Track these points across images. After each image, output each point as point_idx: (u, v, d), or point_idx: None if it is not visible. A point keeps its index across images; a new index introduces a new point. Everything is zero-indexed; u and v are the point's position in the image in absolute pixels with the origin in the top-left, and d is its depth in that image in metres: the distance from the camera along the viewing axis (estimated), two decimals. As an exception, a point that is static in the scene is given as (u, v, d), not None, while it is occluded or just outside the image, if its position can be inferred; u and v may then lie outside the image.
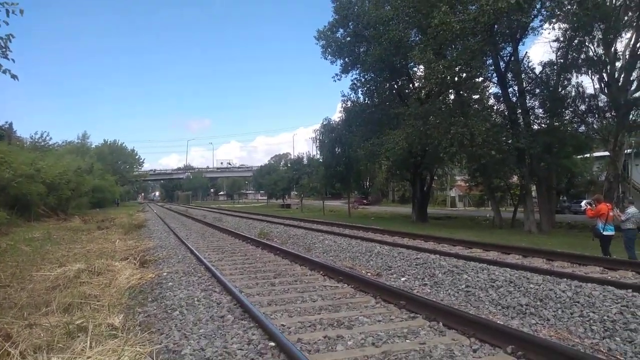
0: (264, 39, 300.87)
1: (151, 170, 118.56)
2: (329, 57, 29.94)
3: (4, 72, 8.75)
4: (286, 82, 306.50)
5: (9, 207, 22.03)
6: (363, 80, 30.21)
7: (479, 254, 10.91)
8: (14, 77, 9.02)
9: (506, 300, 6.37)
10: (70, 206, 34.59)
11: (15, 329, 4.92)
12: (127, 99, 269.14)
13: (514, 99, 23.02)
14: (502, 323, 5.26)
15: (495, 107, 25.07)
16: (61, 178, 29.93)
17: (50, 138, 45.98)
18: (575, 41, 21.14)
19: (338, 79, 30.73)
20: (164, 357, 4.24)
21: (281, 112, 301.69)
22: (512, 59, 22.62)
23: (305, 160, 63.19)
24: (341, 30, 29.28)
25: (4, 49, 8.61)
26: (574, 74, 22.24)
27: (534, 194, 24.01)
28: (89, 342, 4.42)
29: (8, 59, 8.73)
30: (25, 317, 5.57)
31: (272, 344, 4.51)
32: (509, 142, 21.71)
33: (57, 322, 5.26)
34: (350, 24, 28.27)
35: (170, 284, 7.88)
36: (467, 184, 35.27)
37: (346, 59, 29.78)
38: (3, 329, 4.63)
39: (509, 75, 23.14)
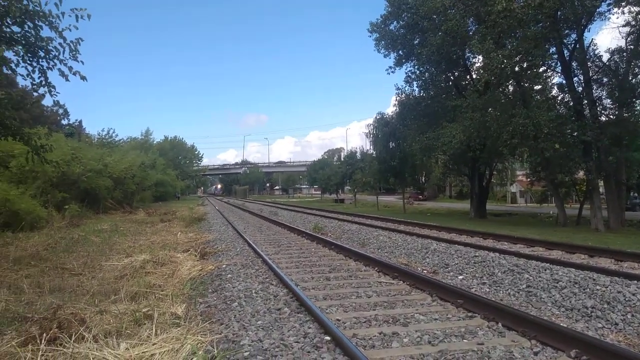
0: (318, 33, 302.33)
1: (211, 165, 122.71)
2: (383, 49, 29.56)
3: (74, 73, 9.38)
4: (339, 76, 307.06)
5: (80, 200, 23.50)
6: (418, 72, 29.68)
7: (541, 252, 10.49)
8: (83, 78, 9.64)
9: (570, 302, 6.11)
10: (135, 199, 36.36)
11: (88, 315, 5.28)
12: (187, 96, 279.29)
13: (579, 89, 21.84)
14: (565, 325, 5.05)
15: (558, 98, 23.92)
16: (127, 173, 31.54)
17: (116, 134, 48.45)
18: (649, 25, 19.75)
19: (392, 72, 30.30)
20: (223, 346, 4.40)
21: (334, 106, 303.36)
22: (577, 46, 21.44)
23: (358, 155, 62.96)
24: (395, 22, 28.83)
25: (74, 52, 9.21)
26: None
27: (601, 189, 22.73)
28: (154, 329, 4.67)
29: (78, 61, 9.35)
30: (97, 304, 5.95)
31: (328, 338, 4.56)
32: (574, 134, 20.63)
33: (125, 309, 5.58)
34: (404, 15, 27.76)
35: (229, 275, 8.13)
36: (529, 179, 33.82)
37: (400, 52, 29.27)
38: (78, 314, 4.97)
39: (574, 64, 21.96)
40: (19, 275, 7.93)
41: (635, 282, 6.48)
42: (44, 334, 4.36)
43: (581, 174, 25.05)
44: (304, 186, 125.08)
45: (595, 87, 22.01)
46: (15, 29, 8.85)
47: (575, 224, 22.79)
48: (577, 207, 26.49)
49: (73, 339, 4.28)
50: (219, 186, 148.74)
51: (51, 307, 5.45)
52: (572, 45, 21.80)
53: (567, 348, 4.16)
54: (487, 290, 7.19)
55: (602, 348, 3.99)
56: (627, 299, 5.82)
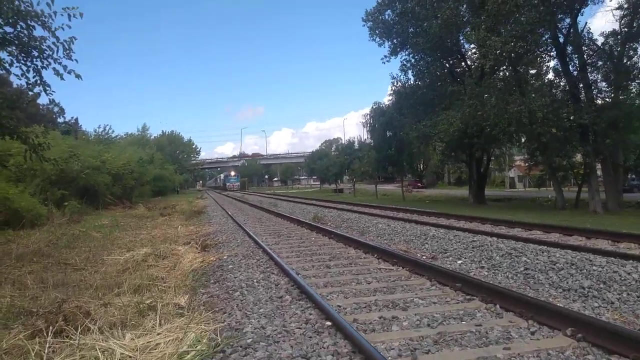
0: (313, 24, 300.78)
1: (209, 159, 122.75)
2: (377, 38, 29.50)
3: (69, 72, 9.40)
4: (336, 66, 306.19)
5: (79, 196, 23.51)
6: (413, 61, 29.65)
7: (539, 235, 10.59)
8: (78, 76, 9.68)
9: (567, 282, 6.20)
10: (134, 195, 36.35)
11: (93, 308, 5.36)
12: (183, 91, 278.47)
13: (575, 73, 21.87)
14: (562, 305, 5.14)
15: (554, 82, 23.94)
16: (125, 168, 31.55)
17: (113, 131, 48.42)
18: (643, 6, 19.78)
19: (387, 61, 30.35)
20: (227, 334, 4.47)
21: (331, 97, 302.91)
22: (572, 30, 21.44)
23: (356, 145, 63.06)
24: (389, 11, 28.74)
25: (67, 51, 9.23)
26: (641, 43, 20.80)
27: (599, 172, 22.84)
28: (158, 320, 4.75)
29: (72, 60, 9.37)
30: (100, 297, 6.04)
31: (329, 323, 4.64)
32: (571, 118, 20.69)
33: (129, 301, 5.66)
34: (397, 3, 27.64)
35: (230, 266, 8.21)
36: (527, 164, 33.94)
37: (395, 40, 29.22)
38: (83, 307, 5.05)
39: (569, 48, 21.97)
40: (22, 272, 8.00)
41: (631, 261, 6.58)
42: (50, 327, 4.44)
43: (578, 157, 25.17)
44: (303, 177, 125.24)
45: (590, 70, 22.05)
46: (8, 29, 8.86)
47: (574, 207, 22.92)
48: (575, 190, 26.63)
49: (79, 331, 4.37)
50: (233, 173, 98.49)
51: (56, 301, 5.53)
52: (567, 29, 21.80)
53: (563, 327, 4.23)
54: (486, 274, 7.28)
55: (598, 326, 4.07)
56: (622, 279, 5.91)
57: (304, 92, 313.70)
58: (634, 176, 39.55)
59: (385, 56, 29.95)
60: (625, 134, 21.66)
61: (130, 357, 3.88)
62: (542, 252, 7.65)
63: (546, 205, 26.92)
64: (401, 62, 30.14)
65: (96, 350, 3.91)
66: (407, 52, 29.57)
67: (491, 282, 6.35)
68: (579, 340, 3.99)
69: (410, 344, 4.10)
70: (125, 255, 9.36)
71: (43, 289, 6.74)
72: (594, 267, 6.47)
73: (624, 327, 4.43)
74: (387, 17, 28.75)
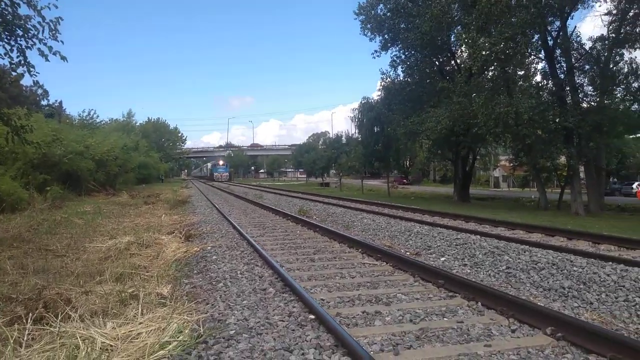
0: (305, 17, 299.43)
1: (195, 148, 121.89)
2: (368, 33, 29.44)
3: (54, 53, 9.18)
4: (326, 60, 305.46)
5: (62, 182, 23.16)
6: (403, 57, 29.67)
7: (522, 235, 10.72)
8: (63, 58, 9.45)
9: (548, 282, 6.29)
10: (118, 182, 35.95)
11: (74, 295, 5.29)
12: (171, 78, 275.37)
13: (562, 75, 22.11)
14: (542, 305, 5.22)
15: (541, 84, 24.18)
16: (109, 155, 31.15)
17: (97, 116, 47.77)
18: (630, 14, 20.01)
19: (377, 56, 30.30)
20: (209, 325, 4.45)
21: (320, 90, 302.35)
22: (561, 34, 21.65)
23: (344, 139, 63.07)
24: (381, 5, 28.69)
25: (53, 32, 9.02)
26: (627, 49, 21.08)
27: (581, 174, 23.18)
28: (140, 309, 4.71)
29: (58, 41, 9.16)
30: (82, 285, 5.96)
31: (312, 316, 4.65)
32: (557, 121, 20.93)
33: (111, 290, 5.59)
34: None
35: (214, 257, 8.17)
36: (511, 164, 34.31)
37: (386, 36, 29.20)
38: (63, 294, 4.98)
39: (557, 51, 22.20)
40: (1, 257, 7.85)
41: (610, 263, 6.71)
42: (30, 314, 4.37)
43: (562, 159, 25.51)
44: (289, 170, 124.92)
45: (577, 74, 22.32)
46: (-9, 6, 8.61)
47: (556, 208, 23.25)
48: (558, 191, 26.99)
49: (59, 318, 4.30)
50: (221, 162, 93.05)
51: (36, 288, 5.45)
52: (556, 32, 21.99)
53: (543, 326, 4.30)
54: (468, 271, 7.35)
55: (577, 325, 4.14)
56: (602, 280, 6.02)
57: (294, 84, 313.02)
58: (615, 179, 40.22)
59: (376, 51, 29.95)
60: (608, 138, 22.01)
61: (111, 345, 3.84)
62: (524, 252, 7.75)
63: (529, 205, 27.26)
64: (391, 57, 30.14)
65: (77, 338, 3.86)
66: (397, 48, 29.57)
67: (473, 279, 6.41)
68: (558, 339, 4.06)
69: (392, 339, 4.13)
70: (108, 242, 9.26)
71: (23, 275, 6.63)
72: (575, 268, 6.58)
73: (602, 327, 4.51)
74: (379, 11, 28.69)
